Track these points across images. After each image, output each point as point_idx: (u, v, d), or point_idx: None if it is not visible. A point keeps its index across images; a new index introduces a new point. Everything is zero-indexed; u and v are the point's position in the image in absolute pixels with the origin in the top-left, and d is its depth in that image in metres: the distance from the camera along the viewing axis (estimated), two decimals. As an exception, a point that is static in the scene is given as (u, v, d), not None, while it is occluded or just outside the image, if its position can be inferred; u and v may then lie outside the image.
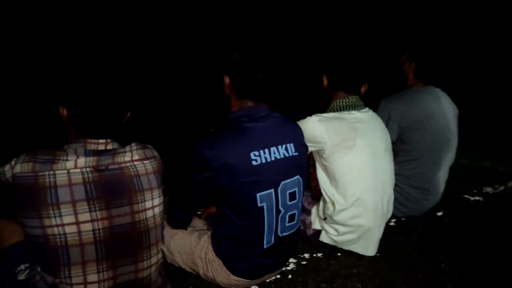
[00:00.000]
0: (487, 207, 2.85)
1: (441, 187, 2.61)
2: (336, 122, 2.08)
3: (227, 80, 1.80)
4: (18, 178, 1.31)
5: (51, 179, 1.32)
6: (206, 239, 1.94)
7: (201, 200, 1.87)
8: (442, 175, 2.58)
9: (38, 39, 3.34)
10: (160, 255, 1.55)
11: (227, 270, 1.87)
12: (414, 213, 2.63)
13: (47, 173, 1.33)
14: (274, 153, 1.77)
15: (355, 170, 2.06)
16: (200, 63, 2.00)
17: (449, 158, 2.56)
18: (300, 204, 1.92)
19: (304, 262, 2.18)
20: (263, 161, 1.73)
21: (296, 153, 1.84)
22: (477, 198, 2.98)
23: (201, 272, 1.95)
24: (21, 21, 3.36)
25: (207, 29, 3.47)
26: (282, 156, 1.79)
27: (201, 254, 1.93)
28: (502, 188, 3.15)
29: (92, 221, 1.35)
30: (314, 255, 2.24)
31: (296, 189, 1.85)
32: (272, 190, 1.77)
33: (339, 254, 2.23)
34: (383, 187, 2.15)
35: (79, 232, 1.34)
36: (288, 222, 1.87)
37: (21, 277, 1.48)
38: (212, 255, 1.90)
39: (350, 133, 2.06)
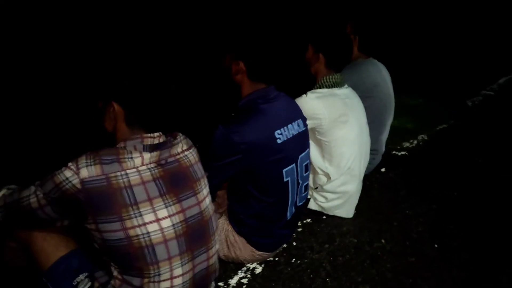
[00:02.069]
0: (414, 158, 3.33)
1: (384, 146, 2.96)
2: (331, 98, 2.23)
3: (240, 65, 1.82)
4: (87, 183, 1.23)
5: (125, 179, 1.27)
6: (223, 222, 1.98)
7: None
8: (385, 136, 2.94)
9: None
10: (217, 241, 1.58)
11: (252, 247, 1.94)
12: (365, 172, 2.95)
13: (118, 173, 1.27)
14: (291, 130, 1.87)
15: (348, 142, 2.25)
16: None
17: (391, 120, 2.92)
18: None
19: (299, 229, 2.34)
20: (285, 138, 1.83)
21: (304, 128, 1.97)
22: (402, 152, 3.44)
23: (221, 254, 1.99)
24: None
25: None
26: (296, 132, 1.90)
27: (221, 238, 1.97)
28: (415, 142, 3.68)
29: (169, 216, 1.33)
30: (305, 221, 2.41)
31: (308, 161, 1.99)
32: (294, 164, 1.88)
33: (324, 217, 2.44)
34: (365, 156, 2.40)
35: (161, 229, 1.31)
36: (304, 192, 2.01)
37: (82, 287, 1.39)
38: (234, 236, 1.95)
39: (344, 109, 2.23)
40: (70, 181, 1.23)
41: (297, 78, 2.36)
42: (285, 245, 2.18)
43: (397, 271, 2.06)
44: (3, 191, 1.42)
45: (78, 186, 1.23)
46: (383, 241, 2.28)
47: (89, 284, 1.42)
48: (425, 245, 2.26)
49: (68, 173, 1.24)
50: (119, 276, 1.34)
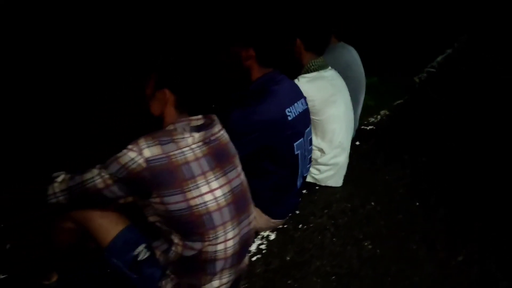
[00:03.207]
0: (381, 131, 3.66)
1: (358, 122, 3.25)
2: (320, 81, 2.45)
3: (250, 51, 2.01)
4: (151, 161, 1.39)
5: (182, 157, 1.44)
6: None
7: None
8: (359, 113, 3.22)
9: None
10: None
11: (267, 216, 2.15)
12: (343, 146, 3.23)
13: (176, 152, 1.43)
14: (297, 108, 2.09)
15: (338, 119, 2.50)
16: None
17: (363, 98, 3.20)
18: (311, 148, 2.30)
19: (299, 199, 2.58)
20: (294, 115, 2.05)
21: (306, 106, 2.19)
22: (370, 127, 3.76)
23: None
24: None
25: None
26: (301, 110, 2.12)
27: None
28: (379, 117, 4.02)
29: (220, 187, 1.51)
30: (302, 192, 2.65)
31: (311, 135, 2.22)
32: (302, 138, 2.11)
33: (317, 187, 2.69)
34: (351, 130, 2.67)
35: (215, 198, 1.49)
36: (308, 164, 2.24)
37: (142, 257, 1.55)
38: (250, 209, 2.15)
39: (332, 89, 2.47)
40: (136, 161, 1.39)
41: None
42: (290, 214, 2.40)
43: (390, 227, 2.35)
44: (62, 176, 1.53)
45: (144, 165, 1.38)
46: (372, 203, 2.57)
47: (148, 253, 1.57)
48: (408, 204, 2.58)
49: (132, 154, 1.39)
50: (181, 243, 1.51)
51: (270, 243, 2.19)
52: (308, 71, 2.49)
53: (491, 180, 2.84)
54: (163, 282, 1.56)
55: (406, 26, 6.96)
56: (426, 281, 1.99)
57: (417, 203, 2.59)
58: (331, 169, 2.61)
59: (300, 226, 2.33)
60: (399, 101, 4.53)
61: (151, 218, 1.54)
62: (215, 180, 1.50)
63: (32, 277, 1.84)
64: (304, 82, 2.39)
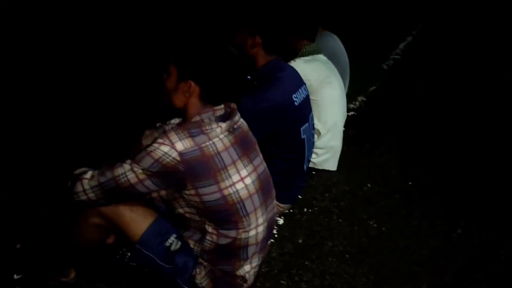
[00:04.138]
0: (362, 116, 3.77)
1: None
2: (316, 62, 2.51)
3: (257, 39, 2.03)
4: (185, 154, 1.40)
5: (213, 147, 1.45)
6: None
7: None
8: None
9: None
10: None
11: (277, 202, 2.19)
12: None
13: (208, 143, 1.45)
14: (301, 94, 2.14)
15: (334, 100, 2.57)
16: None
17: (347, 85, 3.29)
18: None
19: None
20: (299, 101, 2.09)
21: (307, 92, 2.24)
22: (351, 113, 3.85)
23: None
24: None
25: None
26: (304, 96, 2.17)
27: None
28: (357, 103, 4.13)
29: (248, 174, 1.54)
30: (300, 177, 2.70)
31: (314, 121, 2.28)
32: (307, 123, 2.16)
33: (313, 172, 2.75)
34: (344, 114, 2.74)
35: (246, 186, 1.52)
36: (312, 148, 2.30)
37: (175, 247, 1.56)
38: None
39: (327, 71, 2.54)
40: (170, 155, 1.39)
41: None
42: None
43: (390, 206, 2.46)
44: (90, 173, 1.51)
45: (178, 158, 1.39)
46: (369, 185, 2.66)
47: (180, 244, 1.58)
48: (403, 184, 2.69)
49: (165, 148, 1.39)
50: (215, 232, 1.52)
51: (280, 227, 2.23)
52: (303, 55, 2.55)
53: (476, 158, 3.01)
54: (197, 270, 1.57)
55: (362, 13, 7.09)
56: (433, 254, 2.09)
57: (410, 183, 2.71)
58: (327, 152, 2.67)
59: (305, 210, 2.39)
60: (373, 88, 4.66)
61: (180, 210, 1.55)
62: (244, 168, 1.53)
63: (49, 275, 1.80)
64: (301, 63, 2.43)
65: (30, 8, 3.20)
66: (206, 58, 1.50)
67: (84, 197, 1.50)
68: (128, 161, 1.46)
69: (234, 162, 1.49)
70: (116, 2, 3.71)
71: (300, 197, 2.48)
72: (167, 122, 2.02)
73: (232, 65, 1.55)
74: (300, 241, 2.15)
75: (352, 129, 3.44)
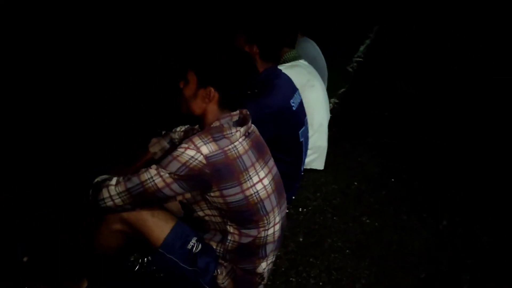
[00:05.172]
0: (338, 118, 3.88)
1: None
2: (297, 68, 2.61)
3: (254, 48, 2.11)
4: (210, 157, 1.47)
5: (235, 151, 1.53)
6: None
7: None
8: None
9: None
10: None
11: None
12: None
13: (230, 146, 1.52)
14: (297, 99, 2.24)
15: (318, 102, 2.68)
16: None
17: (326, 85, 3.42)
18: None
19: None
20: (296, 106, 2.20)
21: (301, 97, 2.34)
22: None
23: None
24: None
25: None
26: (299, 100, 2.27)
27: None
28: (331, 105, 4.28)
29: (266, 176, 1.63)
30: (290, 179, 2.80)
31: (308, 124, 2.38)
32: (304, 126, 2.26)
33: (302, 173, 2.85)
34: (328, 115, 2.86)
35: (264, 186, 1.60)
36: (307, 150, 2.40)
37: (196, 249, 1.62)
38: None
39: (309, 76, 2.64)
40: (196, 159, 1.45)
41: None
42: (289, 199, 2.54)
43: (379, 202, 2.59)
44: (115, 179, 1.54)
45: (204, 161, 1.45)
46: (355, 183, 2.80)
47: (200, 246, 1.63)
48: (386, 181, 2.84)
49: (191, 152, 1.45)
50: (237, 232, 1.59)
51: (279, 228, 2.31)
52: (285, 62, 2.65)
53: (451, 153, 3.21)
54: (218, 271, 1.63)
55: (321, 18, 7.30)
56: (425, 245, 2.24)
57: (393, 179, 2.86)
58: (315, 152, 2.78)
59: (300, 209, 2.48)
60: (342, 90, 4.84)
61: (200, 213, 1.61)
62: (261, 169, 1.60)
63: (60, 286, 1.81)
64: (283, 69, 2.52)
65: (30, 8, 3.14)
66: (227, 65, 1.55)
67: (110, 203, 1.53)
68: (154, 166, 1.50)
69: (253, 164, 1.56)
70: (120, 4, 3.68)
71: (293, 197, 2.58)
72: (173, 130, 2.06)
73: (250, 70, 1.61)
74: (301, 239, 2.24)
75: (330, 130, 3.57)
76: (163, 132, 2.10)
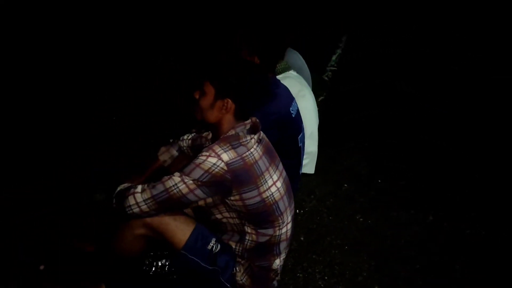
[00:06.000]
0: (323, 123, 4.08)
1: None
2: (288, 79, 2.75)
3: (255, 59, 2.25)
4: (231, 164, 1.61)
5: (251, 157, 1.67)
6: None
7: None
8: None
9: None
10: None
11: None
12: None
13: (247, 153, 1.66)
14: (294, 107, 2.39)
15: (309, 111, 2.82)
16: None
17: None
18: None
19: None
20: (295, 113, 2.35)
21: (297, 105, 2.49)
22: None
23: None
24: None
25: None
26: (296, 108, 2.42)
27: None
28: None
29: (278, 179, 1.77)
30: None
31: (304, 130, 2.53)
32: (302, 132, 2.41)
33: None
34: (317, 122, 3.02)
35: (278, 189, 1.74)
36: (304, 155, 2.55)
37: (215, 250, 1.74)
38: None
39: (300, 86, 2.79)
40: (218, 165, 1.58)
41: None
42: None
43: (369, 202, 2.77)
44: (140, 187, 1.64)
45: (225, 168, 1.58)
46: (345, 185, 2.96)
47: (219, 246, 1.75)
48: (374, 183, 3.02)
49: (213, 160, 1.58)
50: (254, 232, 1.72)
51: (280, 229, 2.44)
52: (276, 73, 2.79)
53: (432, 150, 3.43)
54: (237, 269, 1.76)
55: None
56: (416, 238, 2.42)
57: (379, 180, 3.04)
58: (307, 157, 2.92)
59: (298, 211, 2.63)
60: (321, 97, 5.03)
61: (218, 216, 1.74)
62: (274, 173, 1.75)
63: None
64: None
65: (30, 8, 3.15)
66: (246, 79, 1.67)
67: (137, 210, 1.63)
68: (177, 173, 1.62)
69: (267, 169, 1.70)
70: (121, 4, 3.72)
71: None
72: (181, 138, 2.17)
73: (264, 83, 1.75)
74: (302, 238, 2.39)
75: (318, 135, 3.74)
76: (171, 140, 2.20)
